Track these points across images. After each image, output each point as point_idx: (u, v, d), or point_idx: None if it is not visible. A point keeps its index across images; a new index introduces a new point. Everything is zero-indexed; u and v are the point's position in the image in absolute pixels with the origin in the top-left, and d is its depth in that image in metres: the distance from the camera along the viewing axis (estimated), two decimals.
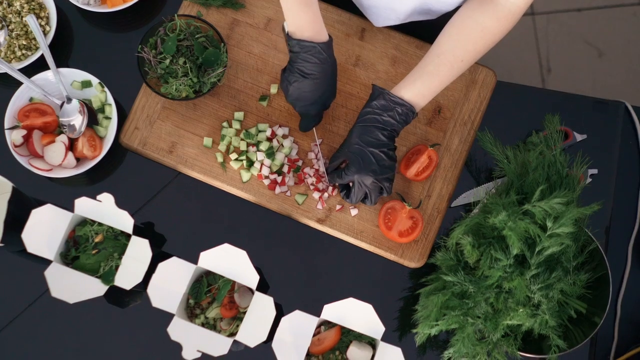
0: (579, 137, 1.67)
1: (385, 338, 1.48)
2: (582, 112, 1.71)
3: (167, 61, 1.58)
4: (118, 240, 1.54)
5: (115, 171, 1.65)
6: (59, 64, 1.64)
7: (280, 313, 1.54)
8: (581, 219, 1.49)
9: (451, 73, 1.45)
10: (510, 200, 1.43)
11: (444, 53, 1.44)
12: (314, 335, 1.51)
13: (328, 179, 1.59)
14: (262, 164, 1.62)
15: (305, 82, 1.48)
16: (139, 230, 1.52)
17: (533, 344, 1.53)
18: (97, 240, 1.53)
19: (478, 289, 1.43)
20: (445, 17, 1.64)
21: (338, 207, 1.61)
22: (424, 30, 1.69)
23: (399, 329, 1.62)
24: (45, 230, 1.49)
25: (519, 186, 1.47)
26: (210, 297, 1.54)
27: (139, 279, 1.48)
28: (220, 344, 1.47)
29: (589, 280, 1.51)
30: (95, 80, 1.63)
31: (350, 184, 1.54)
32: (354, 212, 1.61)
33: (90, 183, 1.65)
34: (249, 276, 1.48)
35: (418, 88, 1.46)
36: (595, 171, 1.66)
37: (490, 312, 1.45)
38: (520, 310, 1.42)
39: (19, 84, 1.61)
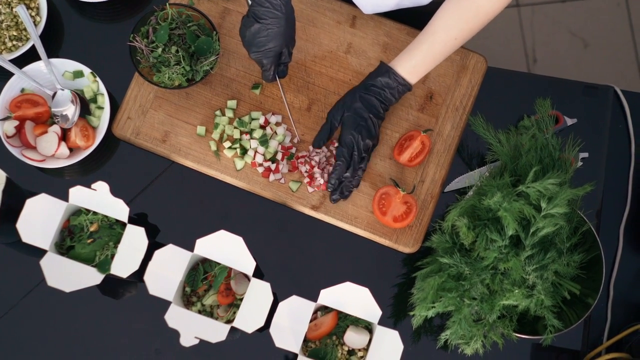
0: (570, 121, 1.69)
1: (382, 323, 1.49)
2: (572, 97, 1.72)
3: (160, 50, 1.58)
4: (113, 229, 1.53)
5: (108, 161, 1.65)
6: (50, 55, 1.63)
7: (276, 300, 1.55)
8: (574, 201, 1.50)
9: (445, 51, 1.51)
10: (504, 182, 1.44)
11: (438, 32, 1.49)
12: (311, 321, 1.52)
13: (317, 138, 1.60)
14: (255, 152, 1.62)
15: (257, 27, 1.48)
16: (133, 221, 1.52)
17: (528, 325, 1.54)
18: (92, 229, 1.52)
19: (474, 270, 1.44)
20: (435, 4, 1.65)
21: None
22: (415, 18, 1.70)
23: (394, 314, 1.63)
24: (39, 219, 1.49)
25: (513, 169, 1.49)
26: (206, 285, 1.54)
27: (135, 266, 1.48)
28: (217, 330, 1.47)
29: (583, 262, 1.53)
30: (87, 70, 1.62)
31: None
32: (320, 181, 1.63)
33: (83, 174, 1.64)
34: (245, 262, 1.48)
35: (414, 66, 1.52)
36: (586, 155, 1.68)
37: (486, 294, 1.46)
38: (516, 291, 1.43)
39: (10, 74, 1.61)
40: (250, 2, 1.49)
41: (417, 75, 1.54)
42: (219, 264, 1.53)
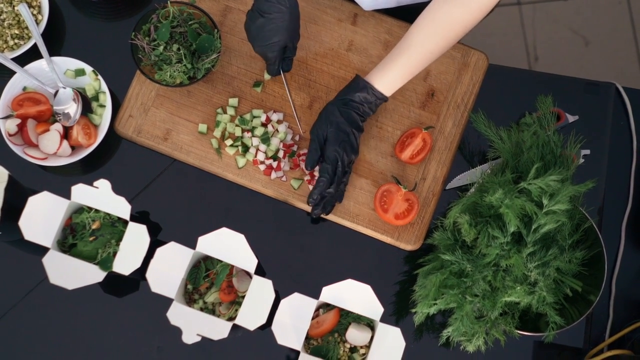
0: (571, 119, 1.69)
1: (384, 320, 1.49)
2: (573, 94, 1.72)
3: (161, 48, 1.58)
4: (115, 227, 1.54)
5: (110, 159, 1.65)
6: (52, 53, 1.63)
7: (278, 298, 1.55)
8: (576, 198, 1.50)
9: (421, 64, 1.51)
10: (506, 179, 1.44)
11: (414, 45, 1.48)
12: (312, 319, 1.52)
13: (309, 159, 1.56)
14: (257, 150, 1.62)
15: (262, 21, 1.49)
16: (135, 219, 1.52)
17: (530, 322, 1.54)
18: (94, 227, 1.53)
19: (476, 267, 1.44)
20: None
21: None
22: (416, 14, 1.70)
23: (396, 312, 1.63)
24: (42, 217, 1.49)
25: (514, 165, 1.49)
26: (208, 282, 1.54)
27: (137, 264, 1.48)
28: (219, 327, 1.47)
29: (584, 259, 1.52)
30: (88, 69, 1.62)
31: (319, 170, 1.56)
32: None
33: (85, 172, 1.64)
34: (247, 260, 1.48)
35: (391, 81, 1.52)
36: (587, 152, 1.68)
37: (488, 290, 1.46)
38: (518, 287, 1.43)
39: (12, 73, 1.61)
40: None
41: (394, 89, 1.54)
42: (220, 261, 1.53)
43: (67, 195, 1.51)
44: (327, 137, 1.54)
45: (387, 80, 1.52)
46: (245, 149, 1.63)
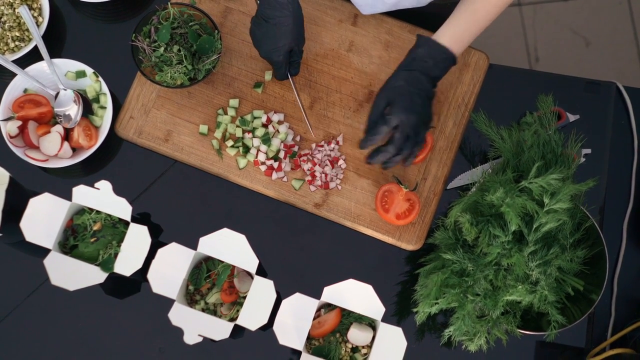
0: (572, 118, 1.69)
1: (385, 320, 1.49)
2: (574, 93, 1.72)
3: (162, 49, 1.58)
4: (116, 228, 1.54)
5: (111, 161, 1.66)
6: (52, 55, 1.63)
7: (279, 298, 1.55)
8: (577, 197, 1.50)
9: (486, 17, 1.47)
10: (507, 178, 1.44)
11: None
12: (314, 319, 1.52)
13: (366, 136, 1.48)
14: (258, 150, 1.63)
15: (266, 27, 1.50)
16: (136, 221, 1.52)
17: (531, 321, 1.54)
18: (95, 228, 1.53)
19: (477, 266, 1.44)
20: (435, 6, 1.65)
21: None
22: (416, 17, 1.70)
23: (397, 312, 1.63)
24: (43, 219, 1.49)
25: (515, 164, 1.49)
26: (209, 283, 1.54)
27: (138, 265, 1.48)
28: (221, 328, 1.47)
29: (586, 258, 1.52)
30: (89, 70, 1.63)
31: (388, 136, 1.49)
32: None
33: (86, 173, 1.65)
34: (248, 260, 1.48)
35: (455, 33, 1.47)
36: (588, 151, 1.68)
37: (490, 290, 1.46)
38: (520, 286, 1.43)
39: (13, 75, 1.61)
40: (259, 3, 1.50)
41: (460, 44, 1.47)
42: (222, 262, 1.53)
43: (68, 196, 1.51)
44: (391, 104, 1.46)
45: (450, 32, 1.46)
46: (246, 149, 1.63)
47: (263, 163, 1.62)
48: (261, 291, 1.48)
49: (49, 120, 1.62)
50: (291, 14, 1.49)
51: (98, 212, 1.54)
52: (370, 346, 1.52)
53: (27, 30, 1.65)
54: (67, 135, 1.61)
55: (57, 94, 1.61)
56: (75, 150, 1.61)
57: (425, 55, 1.47)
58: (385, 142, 1.49)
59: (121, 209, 1.50)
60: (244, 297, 1.52)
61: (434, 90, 1.49)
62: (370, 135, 1.48)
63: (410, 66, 1.47)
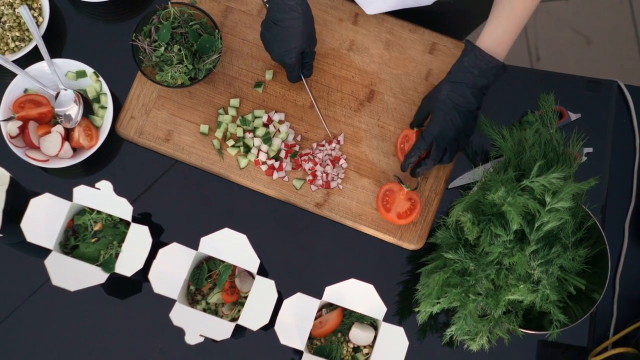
0: (574, 117, 1.69)
1: (387, 320, 1.49)
2: (575, 92, 1.72)
3: (162, 49, 1.58)
4: (117, 228, 1.53)
5: (112, 161, 1.65)
6: (52, 55, 1.63)
7: (280, 298, 1.54)
8: (578, 195, 1.50)
9: (525, 13, 1.46)
10: (508, 177, 1.43)
11: None
12: (315, 319, 1.52)
13: (406, 158, 1.54)
14: (259, 150, 1.62)
15: (276, 30, 1.50)
16: (137, 221, 1.52)
17: (533, 321, 1.54)
18: (96, 228, 1.52)
19: (479, 265, 1.44)
20: (439, 5, 1.65)
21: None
22: (419, 17, 1.70)
23: (399, 311, 1.62)
24: (44, 219, 1.49)
25: (516, 163, 1.48)
26: (211, 283, 1.54)
27: (139, 265, 1.48)
28: (222, 328, 1.47)
29: (588, 257, 1.52)
30: (89, 70, 1.62)
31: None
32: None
33: (87, 173, 1.64)
34: (249, 260, 1.48)
35: (500, 37, 1.47)
36: (590, 150, 1.68)
37: (491, 289, 1.45)
38: (521, 286, 1.43)
39: (14, 75, 1.61)
40: (267, 8, 1.51)
41: (504, 45, 1.47)
42: (223, 262, 1.53)
43: (69, 196, 1.51)
44: (431, 114, 1.50)
45: (495, 37, 1.46)
46: (247, 149, 1.63)
47: (264, 163, 1.62)
48: (262, 291, 1.47)
49: (49, 120, 1.62)
50: (301, 16, 1.50)
51: (99, 212, 1.54)
52: (371, 346, 1.51)
53: (27, 30, 1.64)
54: (67, 136, 1.60)
55: (58, 94, 1.61)
56: (75, 150, 1.61)
57: (471, 65, 1.47)
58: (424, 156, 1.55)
59: (122, 209, 1.50)
60: (245, 297, 1.52)
61: (481, 99, 1.50)
62: (409, 157, 1.54)
63: (455, 78, 1.49)
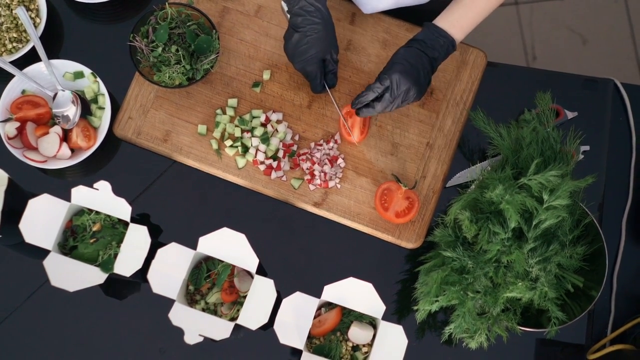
0: (570, 115, 1.69)
1: (386, 319, 1.49)
2: (572, 90, 1.72)
3: (160, 49, 1.58)
4: (116, 229, 1.54)
5: (110, 162, 1.66)
6: (50, 56, 1.63)
7: (279, 297, 1.55)
8: (576, 193, 1.50)
9: (487, 5, 1.50)
10: (506, 175, 1.44)
11: None
12: (314, 318, 1.52)
13: (358, 95, 1.53)
14: (257, 150, 1.62)
15: (297, 37, 1.50)
16: (136, 222, 1.52)
17: (532, 318, 1.54)
18: (94, 229, 1.53)
19: (477, 263, 1.44)
20: (435, 3, 1.65)
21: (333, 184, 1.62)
22: (415, 16, 1.70)
23: (398, 310, 1.63)
24: (42, 220, 1.49)
25: (514, 162, 1.49)
26: (209, 283, 1.54)
27: (138, 265, 1.48)
28: (222, 328, 1.47)
29: (585, 254, 1.53)
30: (87, 71, 1.63)
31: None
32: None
33: (85, 174, 1.64)
34: (248, 260, 1.48)
35: (456, 19, 1.50)
36: (587, 148, 1.68)
37: (490, 287, 1.46)
38: (520, 283, 1.43)
39: (11, 76, 1.61)
40: (289, 17, 1.50)
41: (461, 30, 1.50)
42: (222, 261, 1.53)
43: (67, 197, 1.51)
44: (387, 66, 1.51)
45: (449, 17, 1.50)
46: (245, 149, 1.63)
47: (262, 162, 1.62)
48: (261, 290, 1.48)
49: (47, 121, 1.62)
50: (321, 21, 1.49)
51: (97, 212, 1.54)
52: (371, 344, 1.52)
53: (25, 31, 1.64)
54: (65, 136, 1.61)
55: (55, 94, 1.61)
56: (73, 151, 1.61)
57: (424, 37, 1.50)
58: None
59: (120, 209, 1.50)
60: (244, 297, 1.52)
61: (431, 69, 1.51)
62: (362, 93, 1.52)
63: (409, 44, 1.51)
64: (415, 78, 1.49)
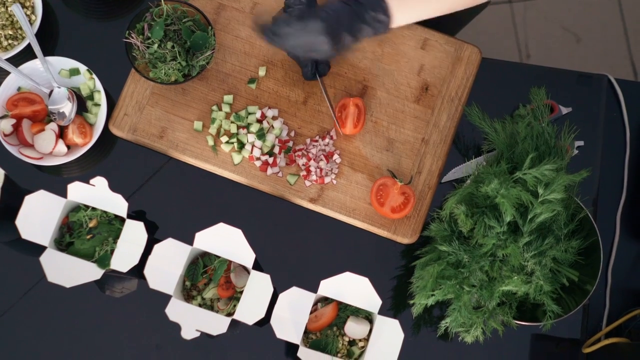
0: (565, 110, 1.70)
1: (382, 313, 1.50)
2: (566, 86, 1.73)
3: (155, 46, 1.58)
4: (112, 225, 1.54)
5: (106, 158, 1.66)
6: (46, 53, 1.63)
7: (276, 292, 1.55)
8: (571, 187, 1.51)
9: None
10: (501, 169, 1.45)
11: None
12: (311, 313, 1.52)
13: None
14: (253, 146, 1.63)
15: (286, 17, 1.38)
16: (132, 218, 1.52)
17: (527, 312, 1.55)
18: (91, 225, 1.53)
19: (472, 257, 1.45)
20: None
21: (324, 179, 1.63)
22: None
23: (394, 305, 1.63)
24: (38, 216, 1.49)
25: (509, 156, 1.50)
26: (206, 278, 1.54)
27: (135, 261, 1.48)
28: (218, 323, 1.47)
29: (580, 248, 1.53)
30: (83, 68, 1.63)
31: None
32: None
33: (81, 171, 1.64)
34: (244, 255, 1.49)
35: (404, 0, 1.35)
36: (581, 143, 1.69)
37: (485, 280, 1.46)
38: (515, 277, 1.44)
39: (7, 73, 1.61)
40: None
41: (404, 12, 1.35)
42: (218, 257, 1.53)
43: (63, 193, 1.51)
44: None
45: None
46: (241, 145, 1.63)
47: (258, 158, 1.63)
48: (258, 285, 1.48)
49: (43, 118, 1.62)
50: (308, 2, 1.46)
51: (94, 209, 1.54)
52: (367, 339, 1.52)
53: (20, 28, 1.65)
54: (61, 133, 1.61)
55: (51, 91, 1.61)
56: (69, 148, 1.61)
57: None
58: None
59: (117, 205, 1.50)
60: (241, 292, 1.52)
61: (358, 30, 1.34)
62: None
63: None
64: (347, 20, 1.33)
